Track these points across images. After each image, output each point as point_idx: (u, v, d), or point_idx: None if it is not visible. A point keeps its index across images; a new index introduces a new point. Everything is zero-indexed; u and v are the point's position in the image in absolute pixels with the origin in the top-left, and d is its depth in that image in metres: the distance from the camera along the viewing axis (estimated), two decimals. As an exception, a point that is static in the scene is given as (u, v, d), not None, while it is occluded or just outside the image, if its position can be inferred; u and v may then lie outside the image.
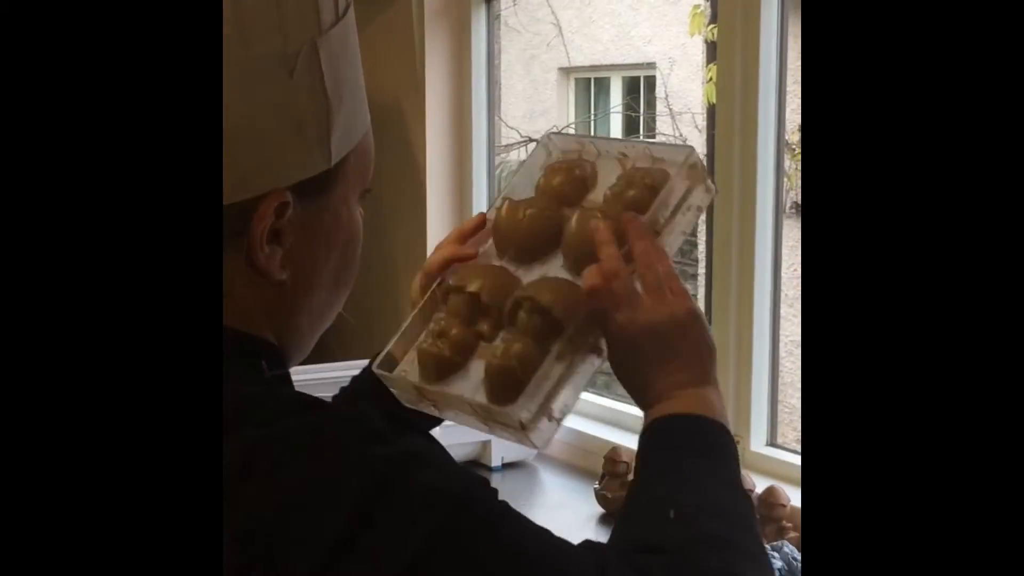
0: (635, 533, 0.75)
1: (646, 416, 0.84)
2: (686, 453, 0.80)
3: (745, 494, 0.81)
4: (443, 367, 0.91)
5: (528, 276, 0.94)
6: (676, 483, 0.78)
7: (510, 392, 0.85)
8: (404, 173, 2.59)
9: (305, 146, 0.75)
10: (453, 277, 0.94)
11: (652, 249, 0.85)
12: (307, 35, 0.75)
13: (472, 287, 0.91)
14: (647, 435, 0.83)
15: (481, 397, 0.87)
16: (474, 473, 0.72)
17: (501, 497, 0.71)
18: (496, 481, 1.95)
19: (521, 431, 0.85)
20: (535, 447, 0.87)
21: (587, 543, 0.73)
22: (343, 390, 1.04)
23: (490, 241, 0.98)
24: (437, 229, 2.56)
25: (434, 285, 0.95)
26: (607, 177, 0.97)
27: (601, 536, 0.74)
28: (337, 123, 0.77)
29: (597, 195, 0.97)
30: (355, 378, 1.03)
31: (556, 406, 0.87)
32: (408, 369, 0.94)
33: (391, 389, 0.94)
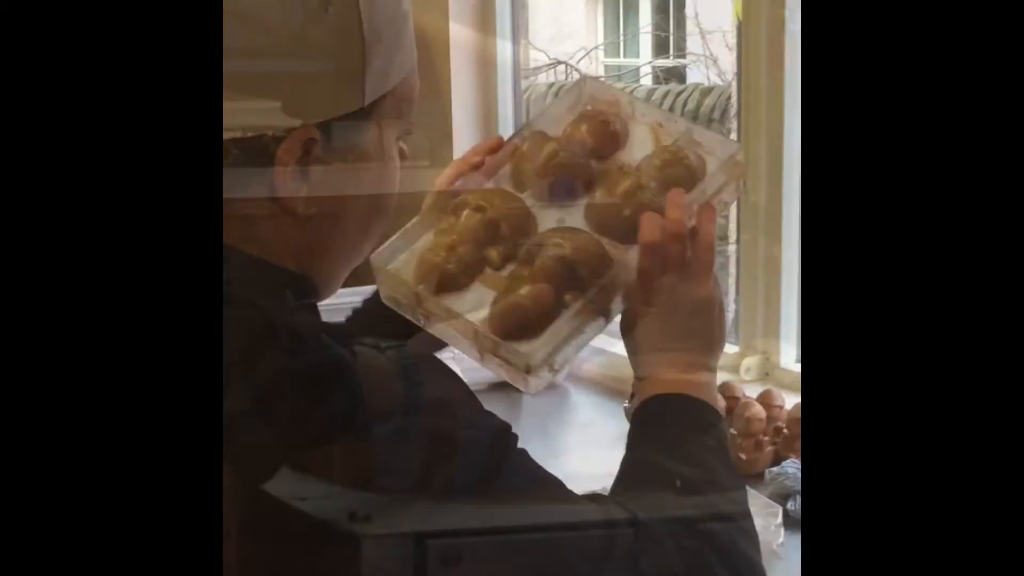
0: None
1: (644, 384, 0.87)
2: (687, 430, 0.84)
3: (741, 479, 0.86)
4: (445, 281, 0.89)
5: (545, 217, 0.93)
6: (681, 456, 0.82)
7: (520, 332, 0.85)
8: (428, 98, 2.57)
9: (337, 84, 0.75)
10: (473, 195, 0.93)
11: (713, 236, 0.87)
12: None
13: (493, 212, 0.91)
14: (648, 405, 0.86)
15: (486, 326, 0.87)
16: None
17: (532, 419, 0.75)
18: (526, 402, 1.97)
19: (524, 373, 0.85)
20: (526, 391, 0.86)
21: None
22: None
23: (507, 167, 0.97)
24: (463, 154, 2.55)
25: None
26: (639, 142, 0.95)
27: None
28: (373, 63, 0.76)
29: (627, 156, 0.95)
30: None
31: (559, 359, 0.87)
32: (402, 270, 0.92)
33: (378, 283, 0.92)
